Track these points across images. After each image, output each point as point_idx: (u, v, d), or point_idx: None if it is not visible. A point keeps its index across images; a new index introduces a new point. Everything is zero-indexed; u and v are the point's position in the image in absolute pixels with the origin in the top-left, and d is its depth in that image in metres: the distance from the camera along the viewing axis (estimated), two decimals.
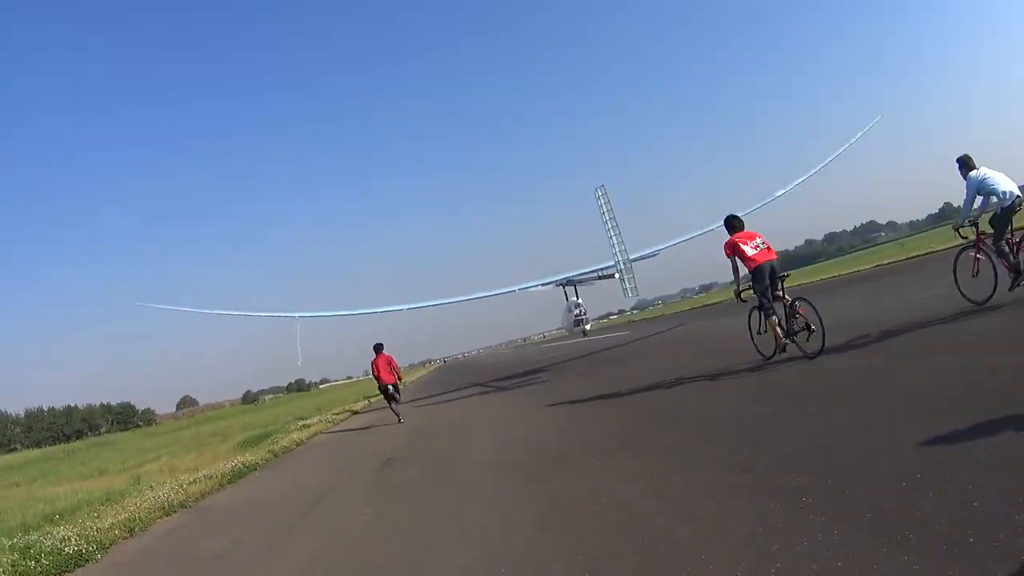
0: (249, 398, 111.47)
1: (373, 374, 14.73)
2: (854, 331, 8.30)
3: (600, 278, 23.17)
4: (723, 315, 23.74)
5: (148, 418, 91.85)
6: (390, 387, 14.49)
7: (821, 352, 7.28)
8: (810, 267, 68.09)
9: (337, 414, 21.97)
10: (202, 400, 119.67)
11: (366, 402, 26.32)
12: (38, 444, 68.77)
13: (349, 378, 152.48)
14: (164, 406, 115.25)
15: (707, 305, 47.77)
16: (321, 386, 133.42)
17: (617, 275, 21.21)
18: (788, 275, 8.04)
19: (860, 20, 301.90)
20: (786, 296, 7.86)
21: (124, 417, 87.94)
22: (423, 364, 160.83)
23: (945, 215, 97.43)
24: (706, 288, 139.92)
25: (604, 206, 21.07)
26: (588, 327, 24.40)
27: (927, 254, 27.33)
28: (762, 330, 8.23)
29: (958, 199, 9.03)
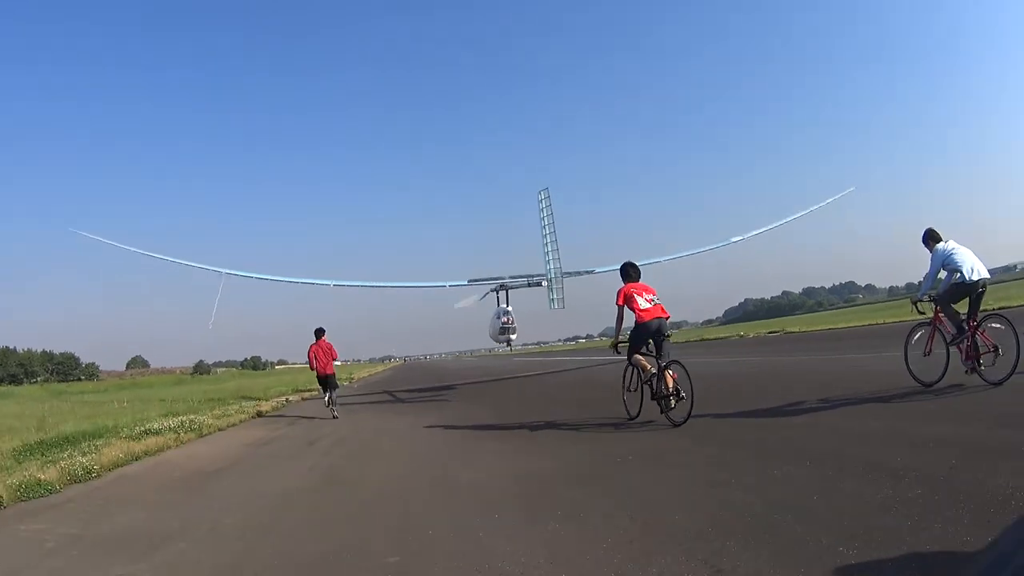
0: (202, 368, 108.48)
1: (310, 362, 13.71)
2: (748, 399, 8.49)
3: (529, 285, 22.53)
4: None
5: (91, 372, 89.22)
6: (328, 377, 13.58)
7: (687, 420, 7.08)
8: (787, 318, 71.82)
9: (267, 403, 19.44)
10: (153, 363, 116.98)
11: (303, 395, 23.31)
12: None
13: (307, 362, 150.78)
14: (115, 363, 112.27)
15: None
16: (277, 367, 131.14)
17: (545, 283, 20.74)
18: (670, 335, 7.85)
19: (868, 83, 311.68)
20: (662, 358, 7.64)
21: (65, 368, 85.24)
22: (383, 360, 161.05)
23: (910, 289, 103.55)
24: (676, 326, 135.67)
25: (545, 210, 20.64)
26: (514, 337, 23.98)
27: (882, 324, 27.75)
28: (633, 387, 8.11)
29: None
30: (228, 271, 20.56)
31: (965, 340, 7.13)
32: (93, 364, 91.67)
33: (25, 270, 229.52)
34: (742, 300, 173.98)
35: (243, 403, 19.25)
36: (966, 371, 7.15)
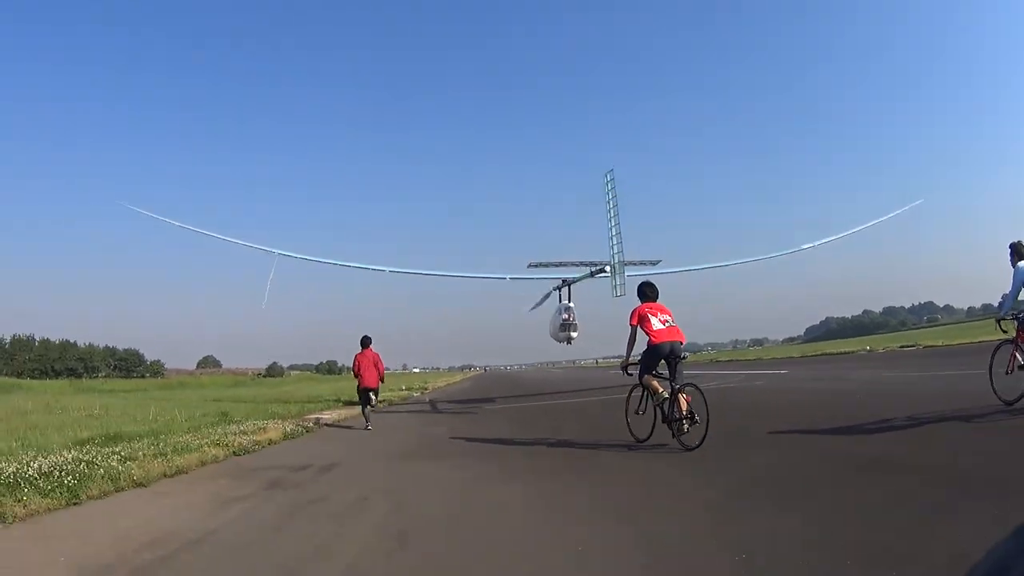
0: (274, 370, 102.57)
1: (355, 372, 12.94)
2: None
3: (592, 274, 21.53)
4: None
5: (156, 369, 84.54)
6: (371, 392, 12.70)
7: (700, 445, 6.88)
8: (872, 336, 71.53)
9: (281, 424, 13.74)
10: (226, 363, 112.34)
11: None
12: (18, 374, 59.93)
13: (387, 369, 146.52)
14: (187, 362, 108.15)
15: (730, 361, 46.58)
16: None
17: (609, 269, 20.07)
18: (686, 357, 7.64)
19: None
20: (676, 380, 7.39)
21: (128, 364, 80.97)
22: (462, 369, 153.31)
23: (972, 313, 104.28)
24: (758, 342, 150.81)
25: (609, 193, 20.27)
26: (575, 335, 22.97)
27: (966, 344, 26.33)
28: (640, 410, 7.87)
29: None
30: (280, 252, 20.70)
31: None
32: (158, 362, 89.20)
33: (135, 272, 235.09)
34: (823, 318, 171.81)
35: (254, 421, 13.20)
36: None
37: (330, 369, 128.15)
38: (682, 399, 7.20)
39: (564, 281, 23.17)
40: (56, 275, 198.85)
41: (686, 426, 7.11)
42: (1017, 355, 7.34)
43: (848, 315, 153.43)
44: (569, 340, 23.27)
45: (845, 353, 37.36)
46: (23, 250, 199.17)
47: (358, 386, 12.73)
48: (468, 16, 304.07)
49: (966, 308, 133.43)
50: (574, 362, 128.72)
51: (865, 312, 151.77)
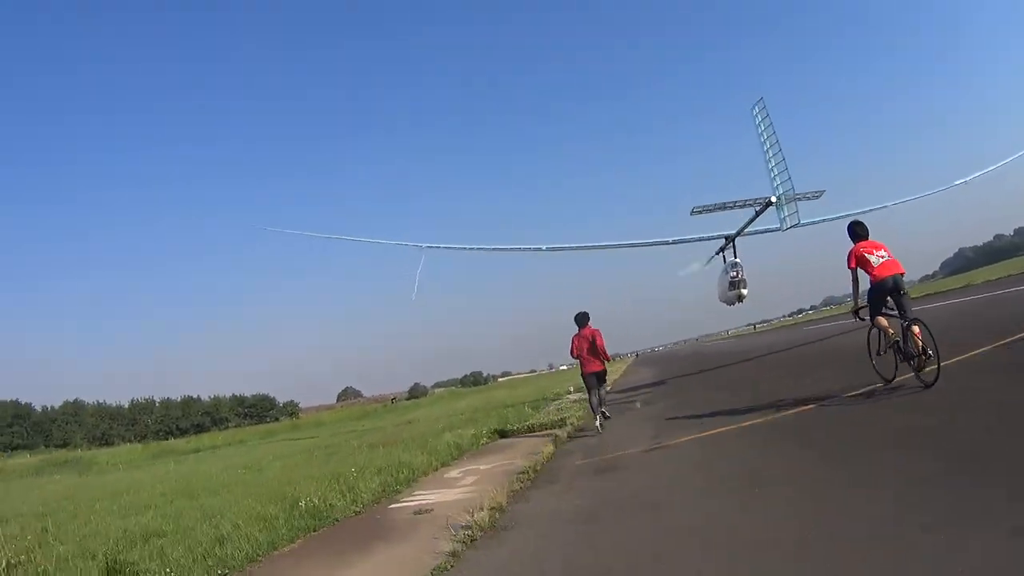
0: (417, 391, 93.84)
1: (574, 357, 11.15)
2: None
3: (757, 214, 19.16)
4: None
5: (291, 410, 78.12)
6: (596, 377, 10.75)
7: (936, 381, 6.57)
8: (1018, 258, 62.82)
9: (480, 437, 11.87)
10: (367, 392, 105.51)
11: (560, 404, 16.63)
12: (143, 438, 55.62)
13: (532, 371, 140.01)
14: (322, 398, 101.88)
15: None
16: (500, 379, 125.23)
17: (775, 199, 18.41)
18: (907, 292, 7.39)
19: None
20: (905, 317, 7.13)
21: (258, 410, 74.81)
22: (616, 357, 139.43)
23: None
24: (827, 303, 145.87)
25: (763, 124, 18.82)
26: (745, 292, 21.59)
27: None
28: (882, 351, 7.60)
29: None
30: (428, 244, 19.84)
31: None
32: (292, 402, 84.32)
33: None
34: (956, 250, 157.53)
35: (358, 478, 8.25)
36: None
37: (475, 381, 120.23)
38: (915, 334, 6.95)
39: (727, 239, 21.46)
40: (191, 335, 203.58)
41: (923, 361, 6.82)
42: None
43: (979, 242, 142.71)
44: (740, 298, 21.63)
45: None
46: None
47: (581, 373, 10.97)
48: None
49: None
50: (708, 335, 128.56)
51: (996, 236, 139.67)
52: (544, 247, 21.70)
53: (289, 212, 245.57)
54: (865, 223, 7.69)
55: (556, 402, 17.63)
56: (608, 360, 10.96)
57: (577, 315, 11.00)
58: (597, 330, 10.84)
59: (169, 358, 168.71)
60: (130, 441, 55.57)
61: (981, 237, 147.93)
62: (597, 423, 10.23)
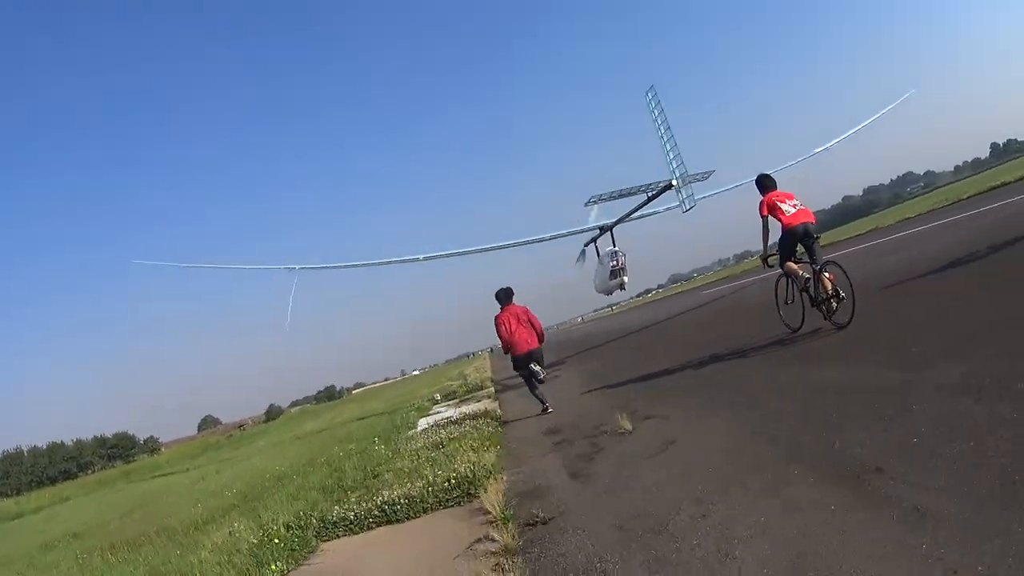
0: (272, 413, 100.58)
1: (502, 338, 9.38)
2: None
3: (649, 199, 19.62)
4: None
5: (152, 446, 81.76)
6: (531, 353, 9.21)
7: (850, 322, 6.96)
8: (873, 215, 63.44)
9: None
10: (226, 418, 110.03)
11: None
12: (17, 491, 59.82)
13: (386, 379, 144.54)
14: (184, 429, 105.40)
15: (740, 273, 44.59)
16: (354, 391, 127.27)
17: (675, 182, 18.68)
18: (819, 238, 7.67)
19: None
20: (816, 262, 7.49)
21: (120, 450, 78.07)
22: (465, 357, 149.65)
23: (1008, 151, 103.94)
24: (740, 258, 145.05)
25: (655, 110, 19.01)
26: (626, 279, 22.53)
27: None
28: (789, 299, 8.07)
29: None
30: (300, 266, 19.15)
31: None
32: (152, 438, 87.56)
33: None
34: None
35: None
36: (826, 319, 7.54)
37: (330, 396, 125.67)
38: (825, 278, 7.32)
39: (601, 229, 22.16)
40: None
41: (835, 304, 7.25)
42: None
43: (828, 205, 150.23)
44: (623, 286, 22.35)
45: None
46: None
47: (512, 355, 9.43)
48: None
49: (952, 168, 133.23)
50: (564, 323, 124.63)
51: (845, 198, 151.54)
52: (422, 256, 21.27)
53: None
54: (772, 176, 7.99)
55: (426, 420, 12.81)
56: (543, 339, 9.48)
57: (500, 291, 9.67)
58: (526, 307, 9.56)
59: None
60: (6, 495, 57.03)
61: (829, 200, 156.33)
62: (544, 406, 9.21)
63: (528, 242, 22.62)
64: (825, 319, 7.38)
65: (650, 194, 19.59)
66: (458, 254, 22.32)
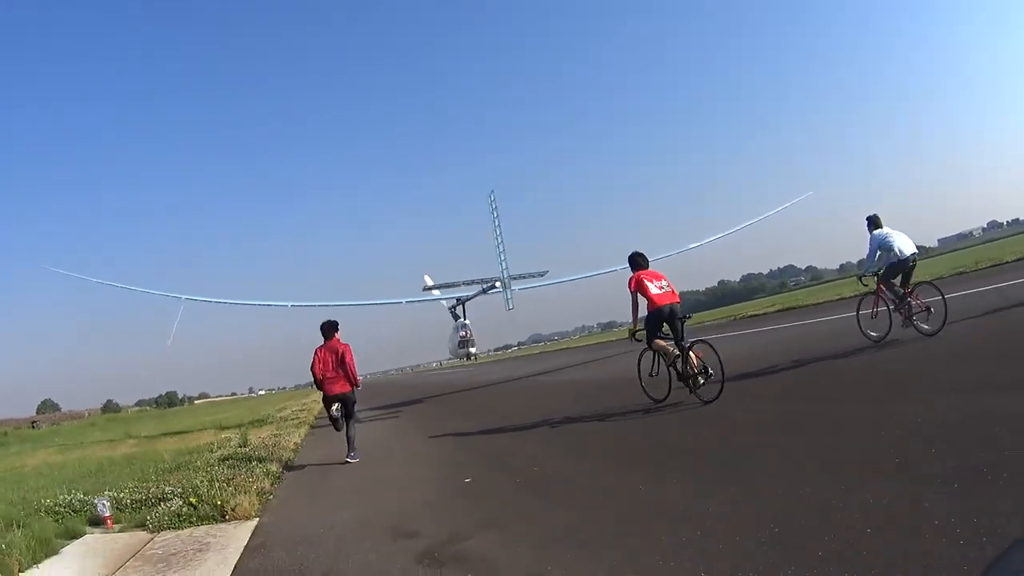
0: (110, 408, 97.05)
1: (314, 375, 8.85)
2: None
3: (484, 291, 22.79)
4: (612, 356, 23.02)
5: None
6: (336, 403, 8.84)
7: (718, 397, 7.39)
8: (749, 302, 65.53)
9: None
10: (65, 406, 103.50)
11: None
12: None
13: (233, 394, 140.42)
14: (27, 410, 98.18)
15: (598, 344, 47.01)
16: (197, 402, 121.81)
17: (499, 284, 21.28)
18: (690, 317, 8.29)
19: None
20: (683, 339, 7.96)
21: None
22: (297, 388, 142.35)
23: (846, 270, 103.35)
24: (606, 327, 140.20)
25: (494, 212, 21.38)
26: (474, 350, 24.08)
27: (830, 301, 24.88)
28: (654, 372, 8.41)
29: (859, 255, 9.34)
30: (187, 296, 20.33)
31: (898, 303, 9.29)
32: None
33: None
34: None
35: None
36: (903, 326, 9.18)
37: (170, 402, 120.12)
38: (693, 356, 7.67)
39: (459, 300, 24.29)
40: None
41: (701, 380, 7.57)
42: (879, 302, 9.51)
43: (702, 287, 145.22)
44: (469, 356, 24.13)
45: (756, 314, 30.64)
46: None
47: (324, 396, 8.95)
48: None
49: (838, 266, 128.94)
50: (418, 365, 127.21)
51: (721, 283, 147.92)
52: (290, 304, 22.33)
53: None
54: (644, 254, 8.32)
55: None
56: (357, 385, 8.86)
57: (324, 324, 8.90)
58: (347, 345, 8.83)
59: None
60: None
61: (706, 283, 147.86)
62: (350, 451, 8.61)
63: (390, 303, 25.19)
64: (690, 393, 7.69)
65: (484, 287, 22.46)
66: (324, 306, 22.64)
